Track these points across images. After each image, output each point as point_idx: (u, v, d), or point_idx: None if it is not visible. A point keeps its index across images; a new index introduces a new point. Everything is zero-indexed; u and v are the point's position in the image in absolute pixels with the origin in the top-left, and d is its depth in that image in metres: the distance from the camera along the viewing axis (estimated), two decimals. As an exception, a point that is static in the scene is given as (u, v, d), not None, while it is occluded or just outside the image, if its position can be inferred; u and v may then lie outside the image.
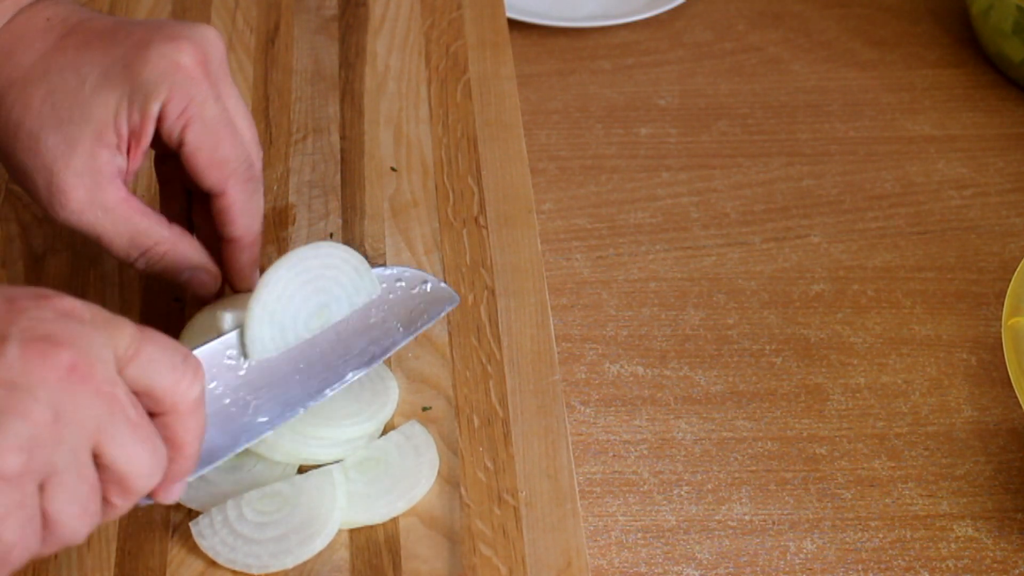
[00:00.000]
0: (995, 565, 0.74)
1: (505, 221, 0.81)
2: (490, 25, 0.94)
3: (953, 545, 0.74)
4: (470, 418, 0.72)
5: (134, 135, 0.66)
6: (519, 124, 0.87)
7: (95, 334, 0.52)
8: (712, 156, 0.97)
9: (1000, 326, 0.81)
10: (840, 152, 0.97)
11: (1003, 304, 0.75)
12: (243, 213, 0.69)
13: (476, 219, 0.81)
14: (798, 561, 0.74)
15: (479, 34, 0.93)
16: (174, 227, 0.69)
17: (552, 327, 0.76)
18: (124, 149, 0.67)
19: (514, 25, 1.01)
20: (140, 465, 0.53)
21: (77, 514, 0.52)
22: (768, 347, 0.84)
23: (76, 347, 0.51)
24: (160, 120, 0.66)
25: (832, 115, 1.00)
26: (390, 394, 0.71)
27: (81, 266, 0.78)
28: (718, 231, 0.91)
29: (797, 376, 0.83)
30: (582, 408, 0.81)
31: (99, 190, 0.66)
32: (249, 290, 0.70)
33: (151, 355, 0.54)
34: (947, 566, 0.73)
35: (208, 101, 0.67)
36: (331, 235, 0.80)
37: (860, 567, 0.73)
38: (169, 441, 0.55)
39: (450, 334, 0.75)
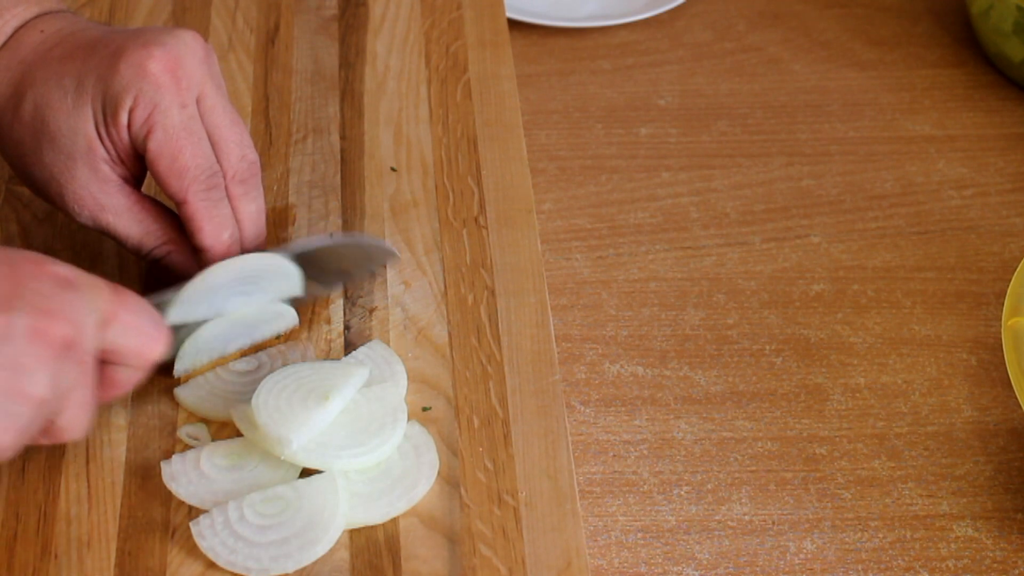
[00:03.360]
0: (995, 565, 0.74)
1: (505, 221, 0.81)
2: (490, 25, 0.94)
3: (953, 545, 0.74)
4: (470, 418, 0.72)
5: (116, 145, 0.67)
6: (519, 124, 0.87)
7: (82, 302, 0.58)
8: (712, 156, 0.97)
9: (1000, 326, 0.81)
10: (840, 152, 0.97)
11: (1003, 304, 0.76)
12: (208, 222, 0.69)
13: (476, 219, 0.81)
14: (798, 561, 0.74)
15: (479, 34, 0.93)
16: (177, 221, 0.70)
17: (552, 327, 0.76)
18: (117, 158, 0.68)
19: (514, 25, 1.01)
20: (78, 425, 0.61)
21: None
22: (768, 347, 0.84)
23: (70, 320, 0.58)
24: (128, 126, 0.67)
25: (832, 115, 1.00)
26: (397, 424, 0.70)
27: (81, 266, 0.78)
28: (718, 231, 0.91)
29: (797, 376, 0.83)
30: (582, 408, 0.81)
31: (107, 196, 0.68)
32: None
33: (126, 320, 0.61)
34: (947, 566, 0.73)
35: (172, 108, 0.67)
36: (331, 235, 0.80)
37: (860, 567, 0.73)
38: (107, 382, 0.62)
39: (450, 334, 0.75)
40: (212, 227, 0.69)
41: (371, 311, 0.77)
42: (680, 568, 0.73)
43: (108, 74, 0.66)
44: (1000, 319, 0.83)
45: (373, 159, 0.85)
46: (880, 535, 0.75)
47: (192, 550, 0.66)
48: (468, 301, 0.77)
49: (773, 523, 0.75)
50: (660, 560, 0.74)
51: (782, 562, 0.74)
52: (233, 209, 0.70)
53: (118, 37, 0.68)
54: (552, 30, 1.05)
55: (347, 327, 0.76)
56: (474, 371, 0.74)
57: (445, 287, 0.78)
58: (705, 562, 0.73)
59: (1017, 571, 0.73)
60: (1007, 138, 0.98)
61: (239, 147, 0.70)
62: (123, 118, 0.66)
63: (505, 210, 0.82)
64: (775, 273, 0.89)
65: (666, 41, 1.06)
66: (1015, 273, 0.76)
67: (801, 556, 0.74)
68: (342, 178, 0.84)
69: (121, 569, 0.65)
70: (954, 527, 0.75)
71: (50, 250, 0.79)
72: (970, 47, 1.06)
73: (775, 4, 1.09)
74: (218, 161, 0.69)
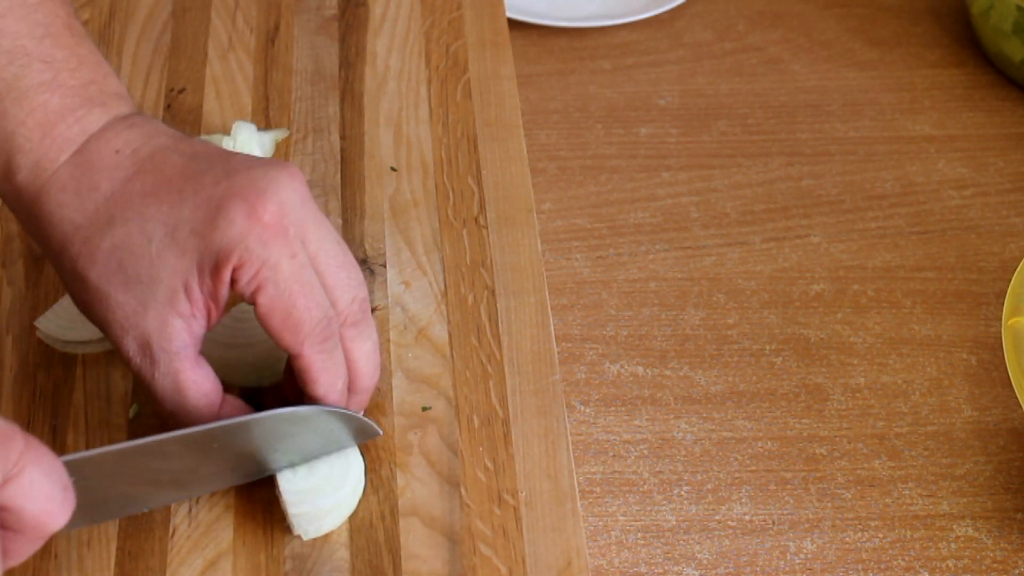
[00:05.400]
0: (995, 565, 0.74)
1: (505, 221, 0.81)
2: (490, 25, 0.94)
3: (953, 545, 0.74)
4: (470, 418, 0.72)
5: (211, 298, 0.62)
6: (519, 124, 0.87)
7: None
8: (712, 156, 0.97)
9: (1000, 326, 0.81)
10: (840, 152, 0.97)
11: (1003, 304, 0.75)
12: (323, 373, 0.64)
13: (476, 219, 0.81)
14: (798, 561, 0.74)
15: (479, 34, 0.93)
16: (226, 407, 0.65)
17: (552, 327, 0.76)
18: (200, 313, 0.63)
19: (514, 25, 1.01)
20: None
21: None
22: (768, 347, 0.84)
23: None
24: (233, 282, 0.62)
25: (832, 115, 1.00)
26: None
27: (81, 266, 0.78)
28: (718, 231, 0.91)
29: (797, 376, 0.83)
30: (582, 408, 0.81)
31: (168, 359, 0.63)
32: None
33: (32, 479, 0.53)
34: (947, 566, 0.73)
35: (282, 261, 0.61)
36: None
37: (860, 567, 0.73)
38: (7, 550, 0.55)
39: (450, 334, 0.75)
40: (327, 377, 0.64)
41: (371, 311, 0.77)
42: (680, 568, 0.73)
43: (206, 230, 0.61)
44: (1000, 319, 0.83)
45: (373, 159, 0.85)
46: (880, 535, 0.75)
47: (192, 549, 0.66)
48: (468, 301, 0.77)
49: (773, 523, 0.75)
50: (660, 560, 0.74)
51: (782, 562, 0.74)
52: (347, 350, 0.66)
53: (209, 178, 0.62)
54: (552, 30, 1.05)
55: (347, 327, 0.76)
56: (474, 371, 0.74)
57: (445, 287, 0.78)
58: (705, 562, 0.73)
59: (1017, 571, 0.73)
60: (1007, 138, 0.98)
61: (349, 289, 0.65)
62: (225, 275, 0.61)
63: (505, 210, 0.82)
64: (775, 273, 0.89)
65: (666, 41, 1.06)
66: (1015, 273, 0.76)
67: (801, 556, 0.74)
68: (342, 178, 0.84)
69: (121, 569, 0.65)
70: (954, 527, 0.75)
71: (50, 250, 0.79)
72: (970, 47, 1.06)
73: (775, 4, 1.09)
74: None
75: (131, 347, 0.62)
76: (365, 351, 0.66)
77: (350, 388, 0.67)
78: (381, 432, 0.69)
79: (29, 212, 0.64)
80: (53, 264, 0.64)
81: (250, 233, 0.61)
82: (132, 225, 0.62)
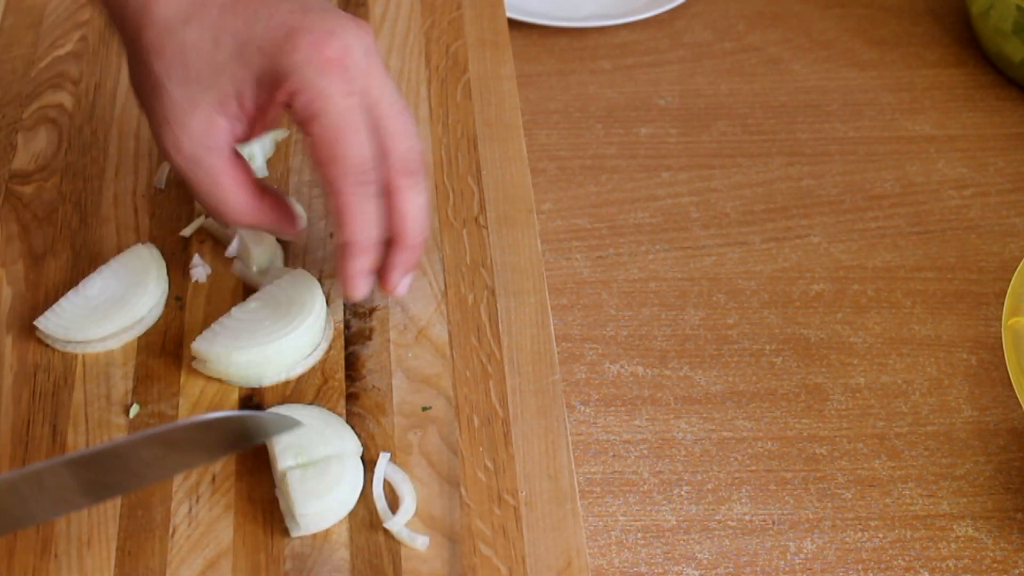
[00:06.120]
0: (995, 565, 0.74)
1: (505, 221, 0.81)
2: (490, 25, 0.94)
3: (953, 545, 0.74)
4: (470, 418, 0.72)
5: (260, 111, 0.67)
6: (519, 124, 0.87)
7: None
8: (712, 156, 0.97)
9: (1000, 326, 0.81)
10: (840, 152, 0.97)
11: (1003, 304, 0.75)
12: (356, 216, 0.68)
13: (476, 219, 0.81)
14: (798, 561, 0.74)
15: (479, 34, 0.93)
16: (264, 204, 0.70)
17: (552, 327, 0.76)
18: (245, 120, 0.68)
19: (514, 25, 1.01)
20: None
21: None
22: (768, 347, 0.84)
23: None
24: (288, 108, 0.66)
25: (832, 115, 1.00)
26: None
27: (81, 266, 0.78)
28: (718, 231, 0.91)
29: (797, 376, 0.83)
30: (582, 408, 0.81)
31: (207, 153, 0.68)
32: (351, 300, 0.73)
33: None
34: (947, 566, 0.73)
35: (336, 96, 0.66)
36: (331, 235, 0.80)
37: (860, 567, 0.73)
38: None
39: (450, 334, 0.75)
40: (359, 222, 0.68)
41: (371, 311, 0.77)
42: (680, 568, 0.73)
43: (273, 50, 0.65)
44: (1000, 319, 0.83)
45: (373, 159, 0.85)
46: (880, 535, 0.75)
47: (193, 549, 0.66)
48: (468, 301, 0.77)
49: (773, 523, 0.75)
50: (660, 560, 0.74)
51: (782, 562, 0.74)
52: (399, 201, 0.69)
53: (285, 6, 0.66)
54: (552, 30, 1.05)
55: (347, 326, 0.76)
56: (474, 371, 0.74)
57: (445, 287, 0.78)
58: (705, 562, 0.73)
59: (1017, 571, 0.73)
60: (1007, 138, 0.98)
61: (406, 137, 0.69)
62: (280, 96, 0.66)
63: (505, 210, 0.82)
64: (775, 273, 0.89)
65: (666, 41, 1.06)
66: (1015, 273, 0.76)
67: (801, 556, 0.74)
68: (342, 178, 0.84)
69: (121, 569, 0.66)
70: (954, 527, 0.75)
71: (50, 250, 0.79)
72: (970, 47, 1.06)
73: (775, 4, 1.09)
74: (385, 152, 0.68)
75: (171, 140, 0.67)
76: (416, 203, 0.70)
77: (397, 243, 0.70)
78: (302, 423, 0.68)
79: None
80: (126, 48, 0.69)
81: (311, 62, 0.65)
82: (206, 31, 0.66)
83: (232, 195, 0.69)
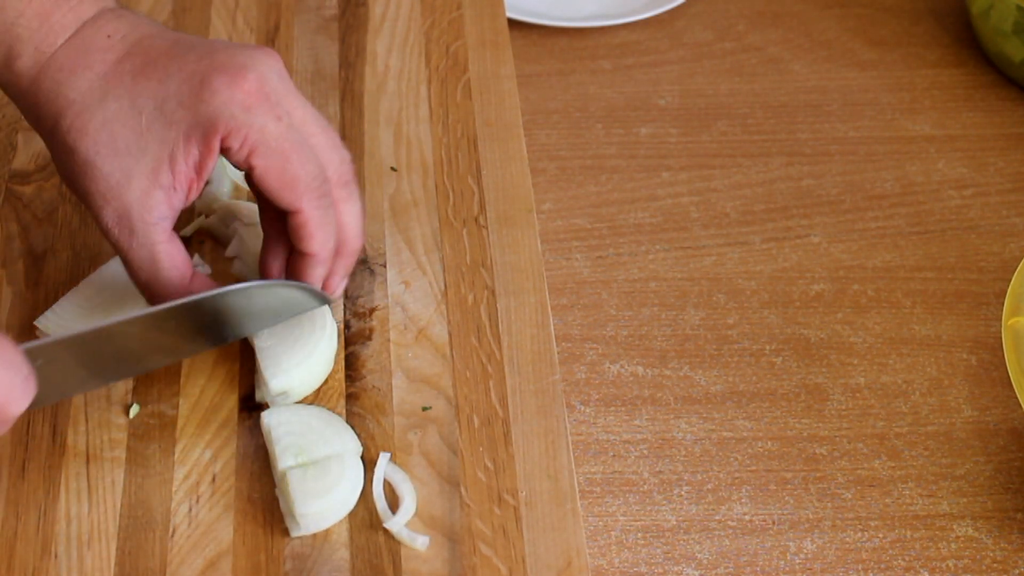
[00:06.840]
0: (995, 565, 0.74)
1: (505, 221, 0.81)
2: (490, 25, 0.94)
3: (953, 545, 0.74)
4: (470, 418, 0.72)
5: (196, 169, 0.66)
6: (519, 124, 0.87)
7: None
8: (712, 156, 0.97)
9: (1000, 326, 0.81)
10: (840, 152, 0.97)
11: (1003, 304, 0.75)
12: (319, 229, 0.68)
13: (476, 219, 0.81)
14: (798, 561, 0.74)
15: (479, 34, 0.93)
16: (193, 287, 0.69)
17: (552, 327, 0.76)
18: (181, 186, 0.67)
19: (514, 25, 1.01)
20: None
21: None
22: (768, 347, 0.84)
23: None
24: (225, 152, 0.66)
25: (832, 115, 1.00)
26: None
27: (81, 266, 0.78)
28: (718, 231, 0.91)
29: (797, 376, 0.83)
30: (582, 408, 0.81)
31: (147, 228, 0.67)
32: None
33: None
34: (947, 566, 0.73)
35: (268, 124, 0.66)
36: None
37: (860, 567, 0.73)
38: None
39: (450, 334, 0.75)
40: (323, 234, 0.69)
41: (371, 311, 0.77)
42: (680, 568, 0.73)
43: (192, 102, 0.66)
44: (1000, 319, 0.83)
45: (373, 159, 0.85)
46: (880, 535, 0.75)
47: (193, 548, 0.66)
48: (468, 301, 0.77)
49: (773, 523, 0.75)
50: (660, 560, 0.74)
51: (782, 562, 0.74)
52: (337, 212, 0.70)
53: (191, 56, 0.67)
54: (552, 30, 1.05)
55: (347, 326, 0.76)
56: (474, 371, 0.74)
57: (445, 287, 0.78)
58: (705, 562, 0.73)
59: (1017, 571, 0.73)
60: (1007, 138, 0.98)
61: (337, 150, 0.69)
62: (214, 144, 0.65)
63: (505, 210, 0.82)
64: (775, 273, 0.89)
65: (666, 41, 1.06)
66: (1015, 273, 0.76)
67: (801, 556, 0.74)
68: (342, 178, 0.84)
69: (121, 568, 0.66)
70: (954, 527, 0.75)
71: (50, 250, 0.79)
72: (970, 47, 1.06)
73: (775, 4, 1.09)
74: (321, 167, 0.68)
75: (111, 217, 0.66)
76: (354, 212, 0.71)
77: (339, 251, 0.71)
78: (333, 298, 0.72)
79: (27, 94, 0.68)
80: (45, 140, 0.68)
81: (233, 101, 0.65)
82: (124, 101, 0.66)
83: (166, 273, 0.68)
